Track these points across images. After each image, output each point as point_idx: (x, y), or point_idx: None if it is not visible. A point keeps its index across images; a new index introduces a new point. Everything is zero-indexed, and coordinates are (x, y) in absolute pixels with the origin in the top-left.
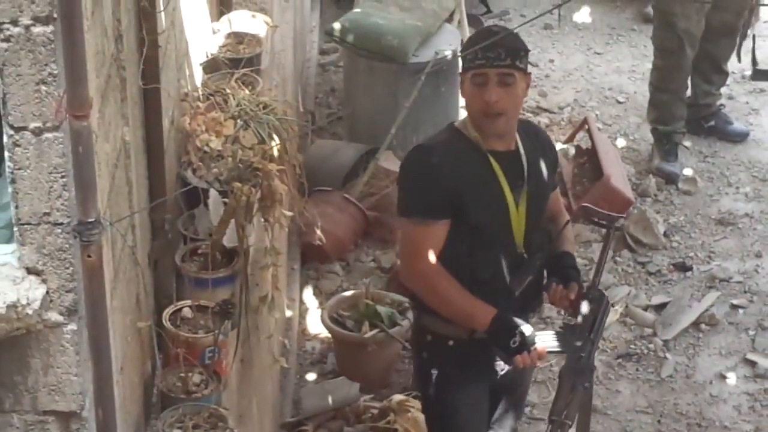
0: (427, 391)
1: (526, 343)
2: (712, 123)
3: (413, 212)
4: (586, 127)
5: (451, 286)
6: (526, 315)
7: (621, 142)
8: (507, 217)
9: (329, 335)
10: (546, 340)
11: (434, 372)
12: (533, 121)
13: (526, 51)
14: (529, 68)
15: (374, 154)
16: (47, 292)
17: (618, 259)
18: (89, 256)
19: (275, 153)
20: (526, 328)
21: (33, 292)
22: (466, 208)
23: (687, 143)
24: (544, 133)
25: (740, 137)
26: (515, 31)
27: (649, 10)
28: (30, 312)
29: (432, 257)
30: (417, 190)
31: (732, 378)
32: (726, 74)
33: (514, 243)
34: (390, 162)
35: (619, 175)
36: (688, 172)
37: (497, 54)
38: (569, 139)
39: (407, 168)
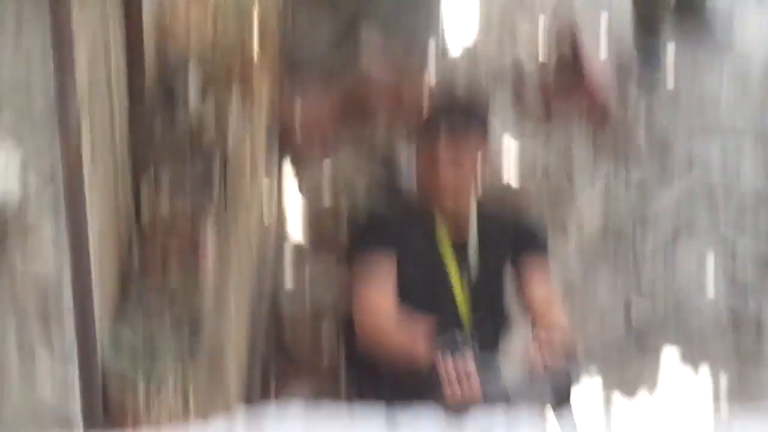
0: None
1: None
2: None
3: (359, 251)
4: (571, 33)
5: (395, 317)
6: None
7: (603, 18)
8: (451, 300)
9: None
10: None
11: None
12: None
13: (483, 115)
14: None
15: (356, 26)
16: (24, 162)
17: (598, 142)
18: (68, 128)
19: (255, 25)
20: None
21: (11, 162)
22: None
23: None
24: (514, 212)
25: None
26: None
27: None
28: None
29: (380, 294)
30: (361, 237)
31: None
32: None
33: (462, 328)
34: (372, 64)
35: (601, 79)
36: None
37: (451, 119)
38: (551, 46)
39: (356, 226)
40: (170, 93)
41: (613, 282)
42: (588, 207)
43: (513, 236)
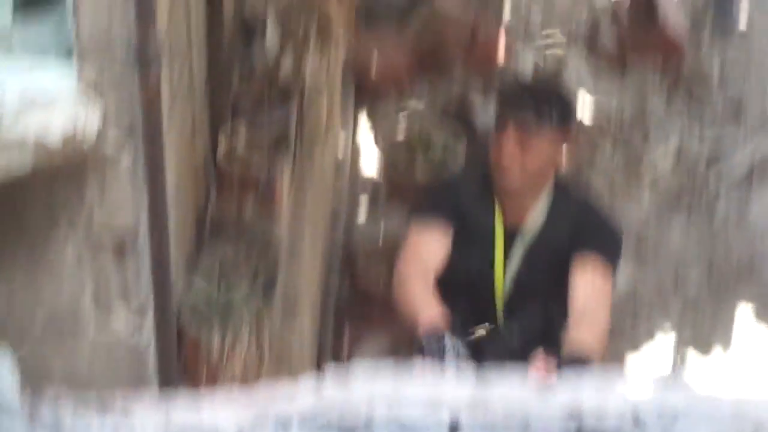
0: None
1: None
2: None
3: (414, 218)
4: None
5: (418, 287)
6: None
7: None
8: (491, 283)
9: (383, 169)
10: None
11: None
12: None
13: (561, 105)
14: None
15: None
16: (105, 114)
17: (672, 95)
18: (147, 82)
19: None
20: (449, 341)
21: (91, 114)
22: (456, 247)
23: None
24: (591, 210)
25: None
26: None
27: None
28: (87, 136)
29: (414, 261)
30: (425, 204)
31: None
32: None
33: (495, 310)
34: (448, 3)
35: (674, 20)
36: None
37: (521, 104)
38: None
39: (426, 190)
40: (249, 42)
41: (687, 235)
42: (662, 162)
43: (577, 232)
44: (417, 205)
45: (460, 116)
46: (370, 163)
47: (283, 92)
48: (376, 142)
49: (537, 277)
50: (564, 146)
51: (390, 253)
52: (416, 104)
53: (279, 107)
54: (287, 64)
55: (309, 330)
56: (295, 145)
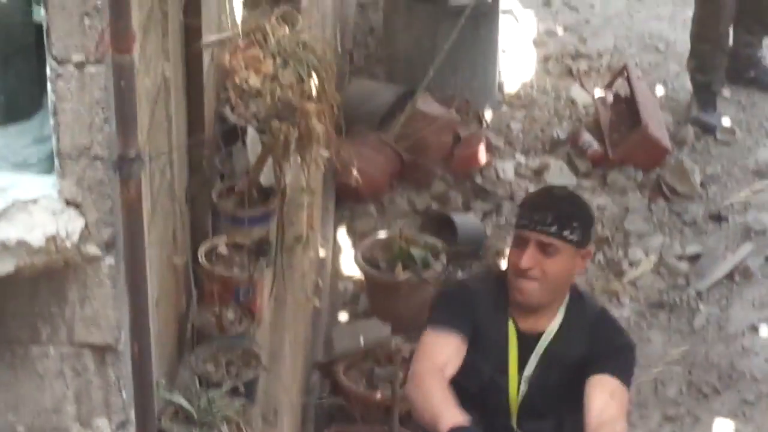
0: None
1: None
2: (752, 74)
3: (431, 322)
4: (625, 74)
5: (437, 386)
6: None
7: (660, 90)
8: (504, 395)
9: (362, 276)
10: None
11: None
12: (602, 307)
13: (584, 222)
14: (569, 12)
15: (412, 95)
16: (86, 225)
17: (653, 207)
18: (128, 191)
19: (314, 92)
20: None
21: (72, 224)
22: (472, 355)
23: (726, 93)
24: (608, 330)
25: None
26: None
27: None
28: (69, 245)
29: (430, 362)
30: (442, 307)
31: (764, 330)
32: None
33: (509, 421)
34: (427, 104)
35: (656, 123)
36: (726, 122)
37: (543, 218)
38: (608, 86)
39: (441, 292)
40: (230, 144)
41: (668, 338)
42: (644, 263)
43: (592, 348)
44: (432, 308)
45: (441, 219)
46: (351, 265)
47: (263, 195)
48: (356, 245)
49: (551, 386)
50: (583, 262)
51: (371, 354)
52: (396, 207)
53: (259, 211)
54: (268, 167)
55: None
56: (276, 247)
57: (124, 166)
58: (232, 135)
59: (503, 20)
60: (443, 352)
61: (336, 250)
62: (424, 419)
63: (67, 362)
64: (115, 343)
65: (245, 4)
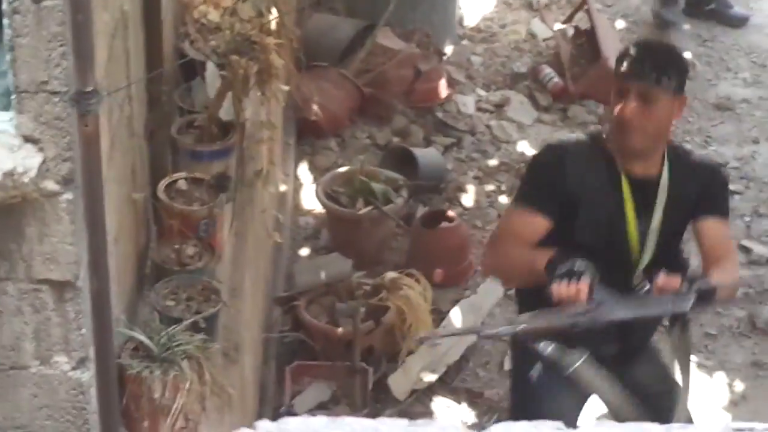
0: (516, 386)
1: (572, 273)
2: (712, 6)
3: (518, 199)
4: (586, 7)
5: (517, 251)
6: (615, 343)
7: (620, 24)
8: (625, 243)
9: (323, 211)
10: (593, 287)
11: (523, 368)
12: (691, 151)
13: (681, 71)
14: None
15: (372, 30)
16: (44, 161)
17: None
18: (86, 126)
19: (273, 26)
20: (581, 263)
21: (29, 160)
22: (573, 222)
23: (686, 26)
24: (700, 164)
25: (740, 22)
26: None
27: None
28: (26, 180)
29: (513, 243)
30: (531, 182)
31: None
32: None
33: (632, 272)
34: (387, 39)
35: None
36: (687, 55)
37: (642, 69)
38: (568, 20)
39: (533, 161)
40: (189, 80)
41: None
42: None
43: (701, 188)
44: (523, 180)
45: (402, 153)
46: (312, 201)
47: (223, 130)
48: (317, 180)
49: (672, 232)
50: (680, 109)
51: (333, 289)
52: (357, 142)
53: (219, 146)
54: (227, 102)
55: (251, 369)
56: (236, 181)
57: (82, 100)
58: (191, 70)
59: None
60: (527, 231)
61: (297, 185)
62: (518, 278)
63: (26, 299)
64: (73, 280)
65: None
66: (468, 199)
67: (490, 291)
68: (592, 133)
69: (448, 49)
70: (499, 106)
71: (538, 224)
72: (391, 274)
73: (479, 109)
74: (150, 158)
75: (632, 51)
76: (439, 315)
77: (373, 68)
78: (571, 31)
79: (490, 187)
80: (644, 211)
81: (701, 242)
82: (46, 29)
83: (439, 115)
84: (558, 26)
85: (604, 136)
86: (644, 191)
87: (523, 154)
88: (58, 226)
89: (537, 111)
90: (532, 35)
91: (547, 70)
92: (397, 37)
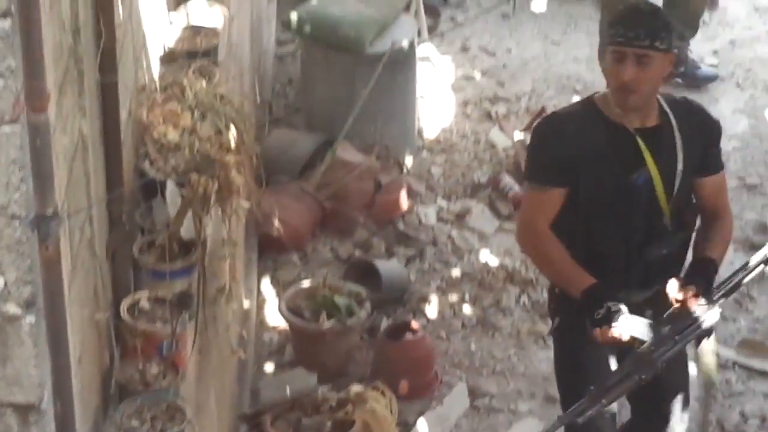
0: (555, 340)
1: (609, 319)
2: (682, 69)
3: (531, 177)
4: (544, 114)
5: (555, 250)
6: (649, 289)
7: None
8: (652, 191)
9: (287, 326)
10: (631, 324)
11: (557, 320)
12: (687, 99)
13: (669, 30)
14: (487, 57)
15: (331, 144)
16: (5, 285)
17: None
18: (47, 249)
19: (232, 144)
20: (615, 306)
21: None
22: (580, 180)
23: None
24: (699, 110)
25: (709, 80)
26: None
27: None
28: None
29: (542, 222)
30: (538, 157)
31: None
32: (696, 28)
33: (661, 215)
34: (347, 152)
35: None
36: None
37: (636, 34)
38: (526, 128)
39: (535, 134)
40: (149, 199)
41: None
42: None
43: (706, 131)
44: (528, 159)
45: (365, 266)
46: (276, 316)
47: (185, 248)
48: (280, 295)
49: (693, 170)
50: (670, 64)
51: (298, 405)
52: (319, 256)
53: (181, 264)
54: (188, 220)
55: None
56: (199, 299)
57: (42, 224)
58: (152, 189)
59: (421, 67)
60: (548, 207)
61: (260, 300)
62: (550, 276)
63: None
64: (37, 402)
65: (162, 59)
66: (432, 310)
67: (457, 402)
68: (581, 101)
69: (408, 161)
70: (461, 217)
71: (555, 197)
72: (356, 388)
73: (440, 220)
74: (112, 278)
75: (624, 17)
76: (406, 427)
77: (334, 182)
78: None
79: (454, 298)
80: (662, 156)
81: (702, 195)
82: (5, 154)
83: (401, 226)
84: (517, 135)
85: (594, 99)
86: (653, 139)
87: (485, 263)
88: (21, 349)
89: (498, 220)
90: (492, 145)
91: (507, 179)
92: (356, 150)
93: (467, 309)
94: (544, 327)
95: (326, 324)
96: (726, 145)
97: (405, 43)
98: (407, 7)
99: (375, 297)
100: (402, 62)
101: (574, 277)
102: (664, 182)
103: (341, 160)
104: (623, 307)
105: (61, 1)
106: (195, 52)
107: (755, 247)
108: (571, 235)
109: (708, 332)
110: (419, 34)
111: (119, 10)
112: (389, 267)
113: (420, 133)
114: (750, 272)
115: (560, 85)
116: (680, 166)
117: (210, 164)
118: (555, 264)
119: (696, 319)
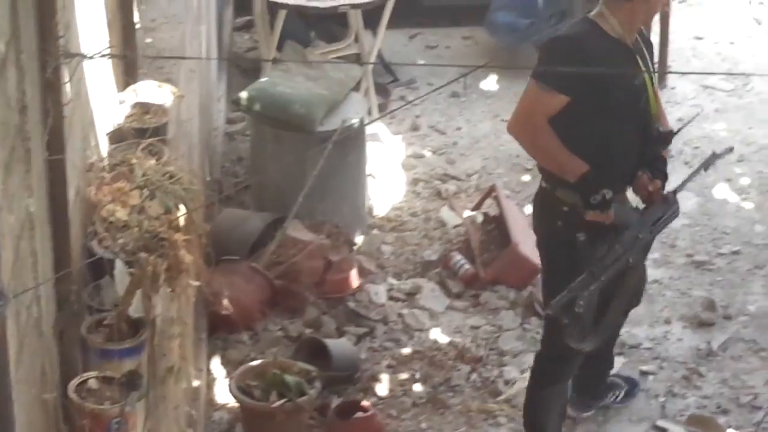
0: (557, 253)
1: (604, 205)
2: None
3: (545, 80)
4: (494, 194)
5: (552, 141)
6: (630, 183)
7: (529, 210)
8: (647, 100)
9: (237, 405)
10: (620, 210)
11: (579, 236)
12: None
13: None
14: (437, 135)
15: (281, 223)
16: None
17: (527, 326)
18: None
19: (182, 223)
20: (608, 193)
21: None
22: (607, 92)
23: None
24: (641, 32)
25: None
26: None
27: None
28: None
29: (541, 117)
30: (558, 64)
31: None
32: None
33: (652, 120)
34: (297, 231)
35: (527, 242)
36: None
37: None
38: (477, 207)
39: (555, 48)
40: (98, 278)
41: None
42: (519, 382)
43: (647, 44)
44: (541, 60)
45: (315, 345)
46: (226, 395)
47: (134, 327)
48: (230, 374)
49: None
50: None
51: None
52: (270, 335)
53: (129, 344)
54: (137, 299)
55: None
56: (148, 379)
57: None
58: (100, 268)
59: (371, 145)
60: (552, 108)
61: (210, 380)
62: (543, 161)
63: None
64: None
65: (111, 137)
66: (382, 388)
67: None
68: (581, 21)
69: (359, 239)
70: (411, 295)
71: (559, 102)
72: None
73: (391, 298)
74: (60, 358)
75: None
76: None
77: (284, 260)
78: (480, 218)
79: (404, 376)
80: (646, 67)
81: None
82: None
83: (351, 305)
84: (467, 213)
85: (594, 19)
86: (640, 53)
87: (435, 341)
88: None
89: (449, 298)
90: (442, 223)
91: (458, 257)
92: (306, 228)
93: (418, 387)
94: (494, 405)
95: (276, 403)
96: (675, 222)
97: (355, 122)
98: (357, 86)
99: (325, 375)
100: (352, 140)
101: (570, 162)
102: (651, 88)
103: (291, 239)
104: (611, 193)
105: (7, 79)
106: (144, 129)
107: (704, 325)
108: (590, 143)
109: (675, 216)
110: (369, 112)
111: (67, 89)
112: (339, 345)
113: (370, 211)
114: (696, 172)
115: (510, 164)
116: (653, 75)
117: (159, 243)
118: (552, 151)
119: (667, 209)
